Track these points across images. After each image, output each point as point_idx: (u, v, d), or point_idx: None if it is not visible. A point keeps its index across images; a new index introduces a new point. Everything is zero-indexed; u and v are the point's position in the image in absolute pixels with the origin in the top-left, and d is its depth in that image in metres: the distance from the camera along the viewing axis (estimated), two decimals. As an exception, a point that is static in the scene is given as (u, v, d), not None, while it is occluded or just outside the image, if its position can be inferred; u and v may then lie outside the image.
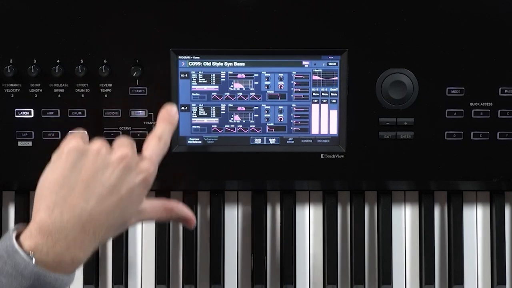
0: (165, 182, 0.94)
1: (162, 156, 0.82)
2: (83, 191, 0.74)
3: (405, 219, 1.00)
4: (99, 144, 0.76)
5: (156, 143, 0.81)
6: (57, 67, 0.90)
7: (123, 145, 0.78)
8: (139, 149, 0.88)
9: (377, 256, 0.99)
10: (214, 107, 0.93)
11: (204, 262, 0.99)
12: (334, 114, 0.93)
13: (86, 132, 0.82)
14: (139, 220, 0.82)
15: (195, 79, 0.93)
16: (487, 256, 0.99)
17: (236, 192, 0.99)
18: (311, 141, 0.94)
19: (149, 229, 0.99)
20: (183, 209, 0.85)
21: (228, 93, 0.93)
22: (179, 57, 0.92)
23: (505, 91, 0.92)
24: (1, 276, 0.69)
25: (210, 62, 0.92)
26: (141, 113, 0.92)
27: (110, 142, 0.91)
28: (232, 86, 0.93)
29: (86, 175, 0.74)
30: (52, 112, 0.92)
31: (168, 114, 0.84)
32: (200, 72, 0.92)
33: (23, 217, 0.97)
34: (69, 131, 0.81)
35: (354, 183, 0.96)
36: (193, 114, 0.93)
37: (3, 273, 0.69)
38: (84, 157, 0.75)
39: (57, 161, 0.76)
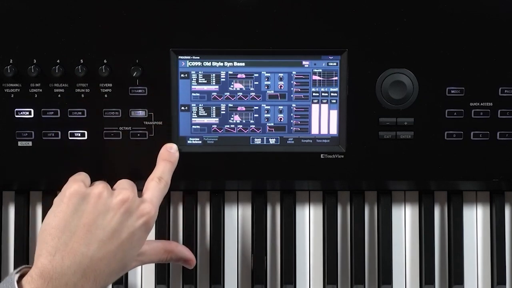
0: (165, 182, 0.94)
1: (163, 196, 0.82)
2: (84, 236, 0.73)
3: (405, 219, 1.00)
4: (100, 187, 0.76)
5: (156, 184, 0.81)
6: (57, 67, 0.90)
7: (124, 187, 0.78)
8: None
9: (377, 256, 0.99)
10: (214, 107, 0.93)
11: (204, 262, 0.99)
12: (334, 114, 0.93)
13: (87, 174, 0.82)
14: (140, 263, 0.81)
15: (195, 79, 0.93)
16: (487, 256, 0.99)
17: (236, 192, 0.99)
18: (311, 141, 0.94)
19: (149, 229, 0.99)
20: (183, 250, 0.85)
21: (228, 93, 0.93)
22: (179, 57, 0.92)
23: (505, 91, 0.92)
24: None
25: (210, 62, 0.92)
26: (141, 113, 0.92)
27: (110, 142, 0.92)
28: (232, 86, 0.93)
29: (87, 220, 0.74)
30: (52, 112, 0.92)
31: (168, 152, 0.85)
32: (200, 72, 0.92)
33: (23, 217, 0.97)
34: (70, 177, 0.81)
35: (354, 183, 0.96)
36: (193, 114, 0.93)
37: None
38: (85, 201, 0.75)
39: (59, 205, 0.76)
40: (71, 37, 0.90)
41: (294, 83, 0.93)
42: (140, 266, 0.99)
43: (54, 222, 0.74)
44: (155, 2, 0.90)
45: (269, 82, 0.93)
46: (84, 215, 0.74)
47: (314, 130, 0.94)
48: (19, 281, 0.71)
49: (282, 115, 0.93)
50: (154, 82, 0.91)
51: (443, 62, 0.91)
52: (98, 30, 0.90)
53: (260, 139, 0.94)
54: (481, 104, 0.92)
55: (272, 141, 0.94)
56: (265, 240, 0.99)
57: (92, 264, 0.73)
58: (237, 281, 0.99)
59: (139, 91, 0.92)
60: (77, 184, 0.76)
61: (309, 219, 0.99)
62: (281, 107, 0.93)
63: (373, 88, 0.92)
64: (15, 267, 0.97)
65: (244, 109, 0.93)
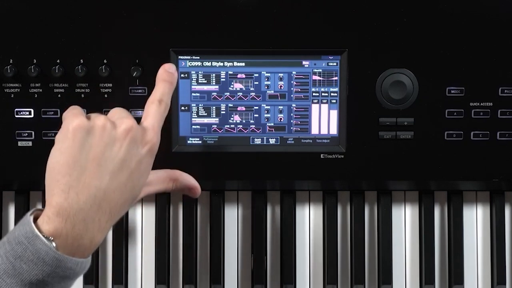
0: (165, 182, 0.94)
1: (164, 119, 0.81)
2: (95, 170, 0.73)
3: (405, 219, 1.00)
4: (102, 119, 0.75)
5: (157, 108, 0.80)
6: (57, 67, 0.90)
7: (123, 116, 0.78)
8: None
9: (377, 256, 0.99)
10: (214, 107, 0.93)
11: (204, 262, 0.99)
12: (334, 114, 0.93)
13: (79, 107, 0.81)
14: (147, 193, 0.81)
15: (195, 79, 0.93)
16: (487, 256, 0.99)
17: (236, 192, 0.99)
18: (311, 141, 0.94)
19: (149, 229, 0.99)
20: (187, 178, 0.85)
21: (228, 93, 0.93)
22: (179, 57, 0.92)
23: (505, 91, 0.92)
24: (21, 262, 0.68)
25: (210, 62, 0.92)
26: (141, 113, 0.91)
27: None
28: (232, 86, 0.93)
29: (96, 153, 0.74)
30: (52, 112, 0.92)
31: (167, 73, 0.83)
32: (200, 72, 0.92)
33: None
34: (63, 113, 0.80)
35: (354, 183, 0.96)
36: (193, 114, 0.93)
37: (24, 260, 0.68)
38: (91, 135, 0.74)
39: (63, 141, 0.74)
40: (71, 37, 0.90)
41: (294, 83, 0.93)
42: (140, 267, 0.99)
43: (62, 160, 0.73)
44: (155, 2, 0.90)
45: (269, 82, 0.93)
46: (92, 148, 0.74)
47: (314, 130, 0.94)
48: (34, 222, 0.71)
49: (282, 115, 0.93)
50: (154, 82, 0.91)
51: (443, 62, 0.91)
52: (98, 30, 0.90)
53: (260, 139, 0.94)
54: (481, 104, 0.92)
55: (272, 141, 0.94)
56: (265, 240, 0.99)
57: (107, 196, 0.73)
58: (237, 281, 0.99)
59: (139, 91, 0.92)
60: (78, 118, 0.75)
61: (309, 219, 0.99)
62: (281, 107, 0.93)
63: (373, 88, 0.92)
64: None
65: (244, 109, 0.93)
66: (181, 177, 0.85)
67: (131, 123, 0.76)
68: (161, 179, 0.83)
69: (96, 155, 0.73)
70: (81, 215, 0.71)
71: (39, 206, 0.98)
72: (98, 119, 0.75)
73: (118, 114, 0.78)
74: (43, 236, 0.69)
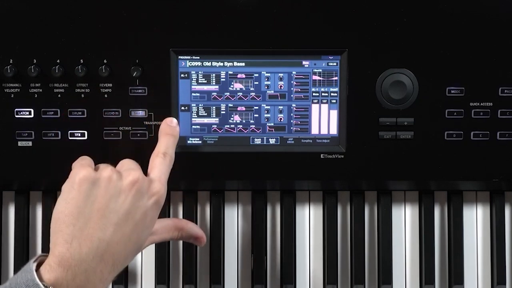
0: (165, 182, 0.94)
1: (169, 171, 0.82)
2: (99, 221, 0.74)
3: (405, 219, 1.00)
4: (109, 170, 0.76)
5: (162, 161, 0.81)
6: (57, 67, 0.90)
7: (131, 168, 0.78)
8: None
9: (377, 256, 0.99)
10: (214, 107, 0.93)
11: (204, 262, 0.99)
12: (334, 114, 0.93)
13: (89, 157, 0.82)
14: (152, 242, 0.82)
15: (195, 79, 0.93)
16: (487, 256, 0.99)
17: (236, 192, 0.99)
18: (311, 141, 0.94)
19: (149, 229, 0.99)
20: (193, 227, 0.86)
21: (228, 93, 0.93)
22: (179, 57, 0.92)
23: (505, 91, 0.92)
24: None
25: (210, 62, 0.92)
26: (141, 113, 0.92)
27: (110, 142, 0.92)
28: (232, 86, 0.93)
29: (100, 205, 0.74)
30: (52, 112, 0.92)
31: (169, 127, 0.85)
32: (200, 72, 0.92)
33: (23, 217, 0.97)
34: (73, 162, 0.81)
35: (354, 183, 0.96)
36: (193, 114, 0.93)
37: None
38: (96, 186, 0.75)
39: (69, 192, 0.75)
40: (71, 37, 0.90)
41: (294, 83, 0.93)
42: (140, 266, 0.99)
43: (67, 210, 0.74)
44: (155, 2, 0.90)
45: (269, 82, 0.93)
46: (97, 200, 0.74)
47: (314, 130, 0.94)
48: (37, 269, 0.71)
49: (282, 115, 0.93)
50: (154, 82, 0.91)
51: (443, 62, 0.91)
52: (98, 30, 0.90)
53: (260, 139, 0.94)
54: (481, 104, 0.92)
55: (272, 141, 0.94)
56: (265, 240, 0.99)
57: (110, 248, 0.73)
58: (237, 281, 0.99)
59: (139, 91, 0.92)
60: (85, 169, 0.76)
61: (309, 219, 0.99)
62: (281, 107, 0.93)
63: (373, 88, 0.92)
64: (15, 267, 0.97)
65: (244, 109, 0.93)
66: (187, 226, 0.85)
67: (137, 175, 0.77)
68: (166, 229, 0.83)
69: (101, 207, 0.74)
70: (82, 266, 0.72)
71: (39, 206, 0.98)
72: (105, 170, 0.76)
73: (126, 166, 0.79)
74: (44, 285, 0.70)
